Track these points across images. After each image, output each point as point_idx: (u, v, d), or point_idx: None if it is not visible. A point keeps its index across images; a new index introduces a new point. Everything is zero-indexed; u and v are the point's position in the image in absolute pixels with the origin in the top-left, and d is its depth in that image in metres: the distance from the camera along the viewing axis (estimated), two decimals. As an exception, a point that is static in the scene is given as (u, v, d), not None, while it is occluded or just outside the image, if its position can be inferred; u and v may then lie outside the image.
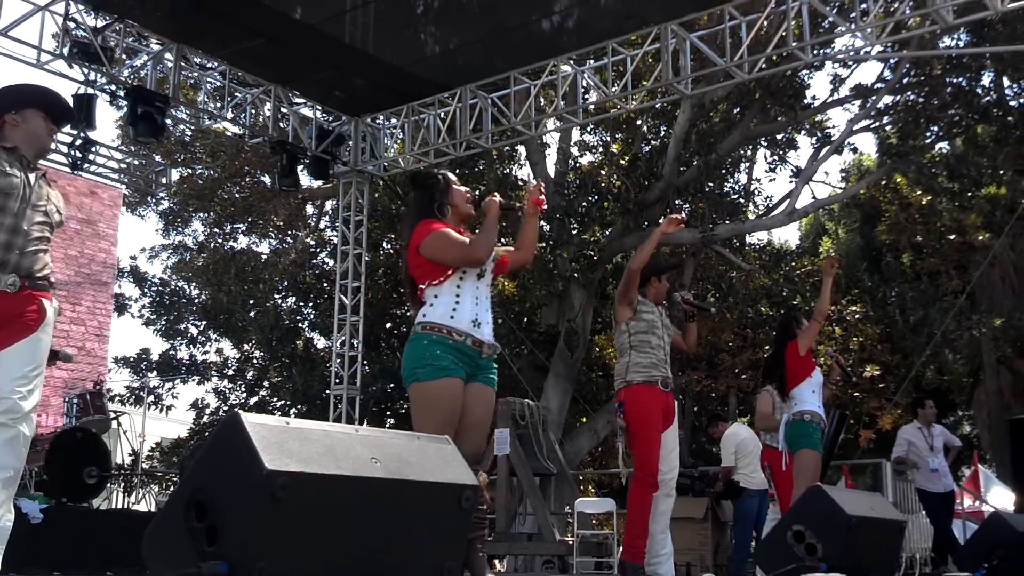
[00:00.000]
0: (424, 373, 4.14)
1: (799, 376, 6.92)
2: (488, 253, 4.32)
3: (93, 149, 12.06)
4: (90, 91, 10.10)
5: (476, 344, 4.25)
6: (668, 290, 6.42)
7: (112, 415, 10.36)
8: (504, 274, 4.52)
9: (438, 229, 4.31)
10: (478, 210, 4.55)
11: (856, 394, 18.01)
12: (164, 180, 14.54)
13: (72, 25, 9.57)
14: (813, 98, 16.89)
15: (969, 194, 16.85)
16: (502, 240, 4.56)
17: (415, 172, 4.83)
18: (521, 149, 17.75)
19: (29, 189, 3.95)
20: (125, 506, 10.80)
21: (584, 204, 16.05)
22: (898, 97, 16.03)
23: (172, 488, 13.70)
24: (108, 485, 9.58)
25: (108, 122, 19.14)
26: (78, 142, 11.45)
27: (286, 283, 20.05)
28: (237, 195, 19.87)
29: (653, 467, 5.86)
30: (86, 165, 12.00)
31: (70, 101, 9.89)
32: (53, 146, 11.84)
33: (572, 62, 10.83)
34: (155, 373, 19.57)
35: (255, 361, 21.12)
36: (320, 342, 20.19)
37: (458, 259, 4.28)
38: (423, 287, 4.32)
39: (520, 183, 18.98)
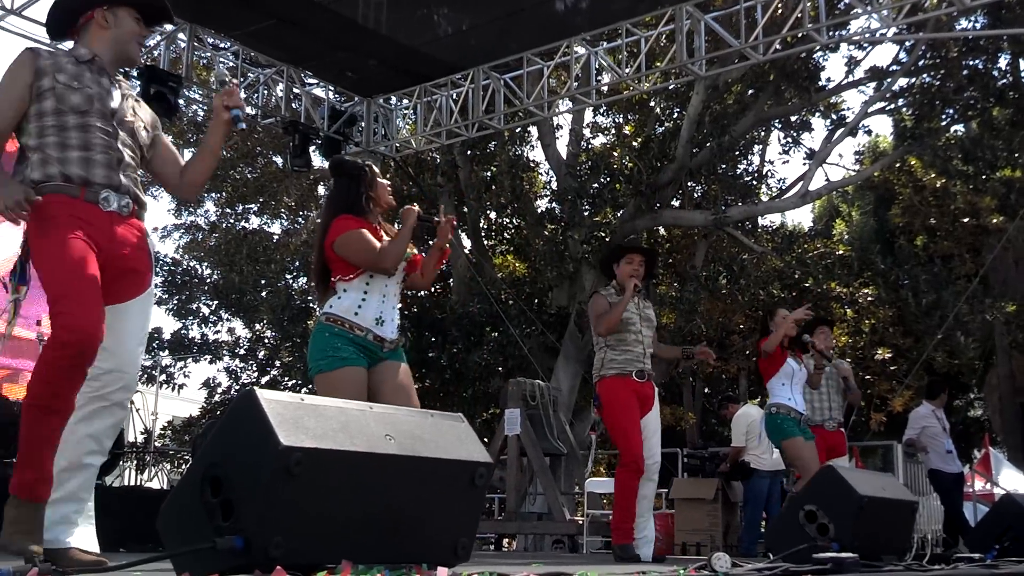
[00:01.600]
0: (326, 364, 4.25)
1: (768, 372, 7.06)
2: (396, 263, 4.37)
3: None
4: (103, 70, 10.10)
5: (377, 340, 4.33)
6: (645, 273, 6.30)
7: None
8: (412, 274, 4.62)
9: (352, 229, 4.34)
10: (398, 211, 4.59)
11: (867, 376, 17.98)
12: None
13: (85, 4, 9.56)
14: (828, 80, 16.86)
15: (984, 177, 16.74)
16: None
17: (339, 159, 4.83)
18: (533, 130, 17.71)
19: (105, 103, 3.37)
20: (138, 483, 10.88)
21: (596, 186, 16.01)
22: (914, 79, 15.94)
23: (184, 466, 13.78)
24: (121, 463, 9.64)
25: (121, 102, 19.08)
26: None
27: (297, 263, 20.09)
28: (249, 175, 19.91)
29: (636, 453, 5.94)
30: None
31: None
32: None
33: (586, 43, 10.79)
34: (167, 352, 19.65)
35: (266, 341, 21.19)
36: (331, 323, 20.21)
37: (366, 264, 4.33)
38: (334, 280, 4.39)
39: (532, 164, 18.96)
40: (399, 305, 4.50)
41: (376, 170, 4.59)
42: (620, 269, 6.26)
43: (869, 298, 17.62)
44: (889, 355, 17.78)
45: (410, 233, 4.41)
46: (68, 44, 3.60)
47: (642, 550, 6.03)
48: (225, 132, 3.66)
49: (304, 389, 18.20)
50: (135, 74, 10.36)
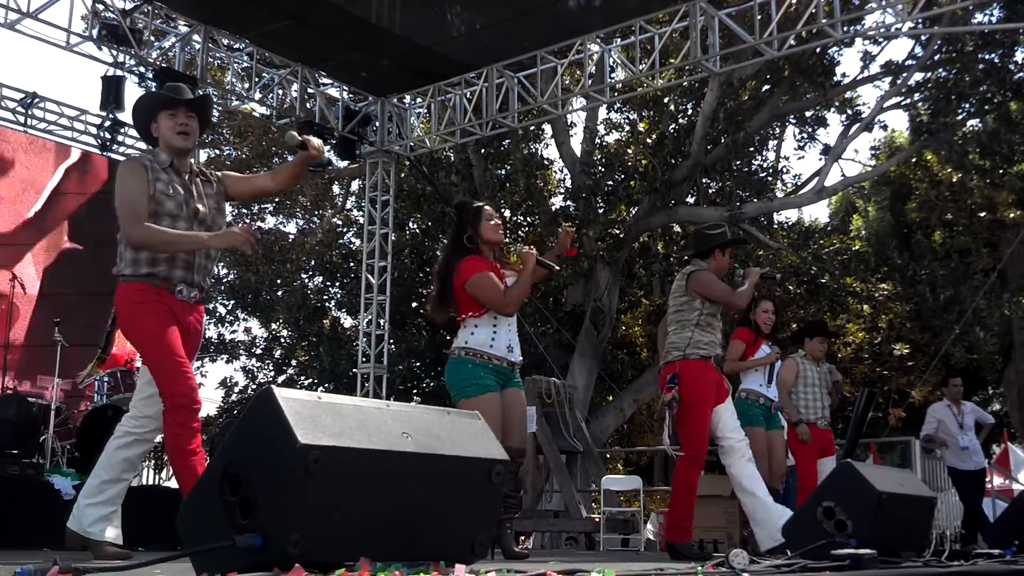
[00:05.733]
0: (473, 390, 4.91)
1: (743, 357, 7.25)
2: (517, 307, 5.03)
3: (122, 130, 12.13)
4: (119, 73, 10.18)
5: (510, 365, 5.06)
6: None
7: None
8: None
9: (481, 272, 4.95)
10: (514, 245, 5.35)
11: (885, 372, 17.90)
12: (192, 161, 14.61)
13: (101, 7, 9.64)
14: (843, 75, 16.73)
15: (1001, 171, 16.65)
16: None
17: (461, 201, 5.48)
18: (547, 128, 17.70)
19: (190, 206, 4.16)
20: (156, 483, 10.92)
21: (610, 183, 15.99)
22: (929, 74, 15.83)
23: (202, 466, 13.78)
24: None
25: (136, 103, 19.15)
26: (107, 123, 11.53)
27: (313, 262, 20.14)
28: (264, 175, 19.92)
29: (703, 446, 5.77)
30: (115, 146, 12.08)
31: (103, 83, 10.02)
32: (83, 128, 11.94)
33: (599, 40, 10.78)
34: (184, 352, 19.68)
35: (283, 340, 21.24)
36: (347, 321, 20.29)
37: (492, 305, 4.95)
38: (464, 316, 5.04)
39: (546, 162, 18.94)
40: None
41: (487, 210, 5.16)
42: (726, 258, 6.06)
43: (886, 293, 17.53)
44: (907, 350, 17.69)
45: (530, 278, 5.00)
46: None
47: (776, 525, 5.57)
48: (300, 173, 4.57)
49: (320, 389, 18.25)
50: (151, 76, 10.42)
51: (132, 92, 10.09)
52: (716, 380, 5.88)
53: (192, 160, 4.35)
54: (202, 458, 4.03)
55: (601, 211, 15.72)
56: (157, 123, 4.24)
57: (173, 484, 11.76)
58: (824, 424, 7.55)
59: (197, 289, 4.20)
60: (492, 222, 5.12)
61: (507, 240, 5.20)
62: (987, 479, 10.41)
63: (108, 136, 11.63)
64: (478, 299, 4.96)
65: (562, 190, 19.53)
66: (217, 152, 19.60)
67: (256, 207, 20.84)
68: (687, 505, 5.80)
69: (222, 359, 20.65)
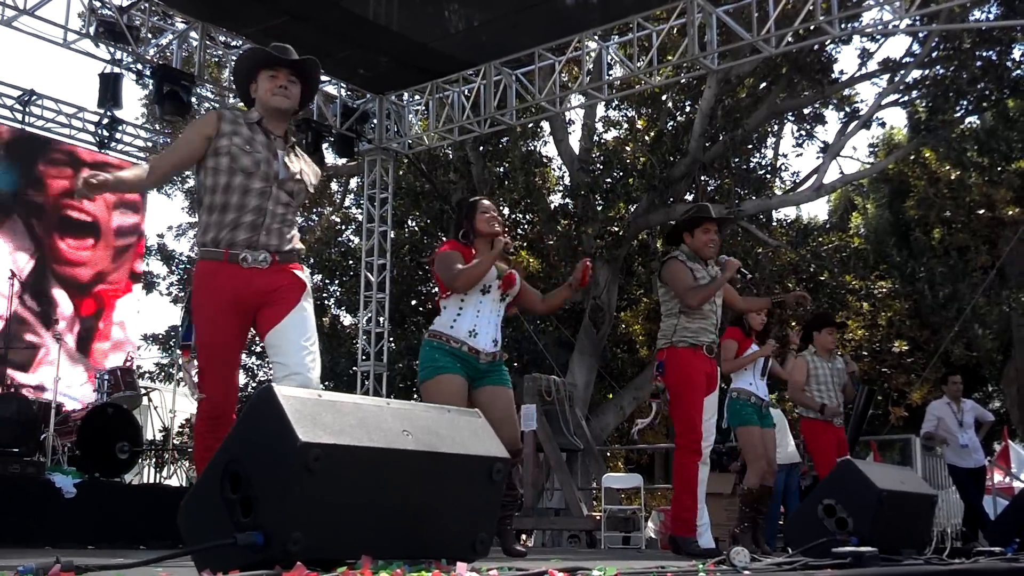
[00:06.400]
0: (425, 374, 4.83)
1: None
2: (466, 286, 4.81)
3: (120, 128, 12.13)
4: (116, 70, 10.17)
5: (472, 351, 4.81)
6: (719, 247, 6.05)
7: (143, 391, 10.47)
8: (515, 295, 5.08)
9: (444, 252, 4.92)
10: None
11: (885, 369, 17.91)
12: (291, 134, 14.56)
13: (98, 4, 9.62)
14: (841, 72, 16.72)
15: (999, 168, 16.65)
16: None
17: (462, 198, 5.53)
18: (545, 126, 17.69)
19: (271, 166, 3.90)
20: (156, 481, 10.92)
21: (609, 180, 15.98)
22: (927, 71, 15.83)
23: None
24: (140, 460, 9.68)
25: (134, 101, 19.14)
26: (105, 121, 11.52)
27: (312, 260, 20.13)
28: (262, 173, 19.91)
29: (697, 433, 5.62)
30: (113, 144, 12.07)
31: (99, 80, 9.99)
32: (81, 125, 11.93)
33: (597, 37, 10.77)
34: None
35: (282, 338, 21.18)
36: (346, 319, 20.28)
37: (446, 283, 4.84)
38: (438, 298, 5.02)
39: (545, 160, 18.93)
40: (497, 320, 4.95)
41: (483, 203, 5.06)
42: (697, 238, 5.85)
43: (885, 291, 17.53)
44: (906, 348, 17.70)
45: (491, 262, 4.82)
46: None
47: (703, 538, 5.73)
48: None
49: (320, 386, 18.21)
50: (148, 73, 10.41)
51: (130, 90, 10.08)
52: (706, 369, 5.73)
53: (292, 136, 4.13)
54: None
55: (600, 208, 15.71)
56: (256, 83, 4.01)
57: (174, 482, 11.77)
58: (839, 423, 7.44)
59: (265, 251, 3.88)
60: (486, 215, 5.00)
61: (505, 233, 5.04)
62: (987, 477, 10.41)
63: (106, 133, 11.63)
64: (440, 279, 4.89)
65: (561, 188, 19.53)
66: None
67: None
68: (689, 495, 5.64)
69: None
